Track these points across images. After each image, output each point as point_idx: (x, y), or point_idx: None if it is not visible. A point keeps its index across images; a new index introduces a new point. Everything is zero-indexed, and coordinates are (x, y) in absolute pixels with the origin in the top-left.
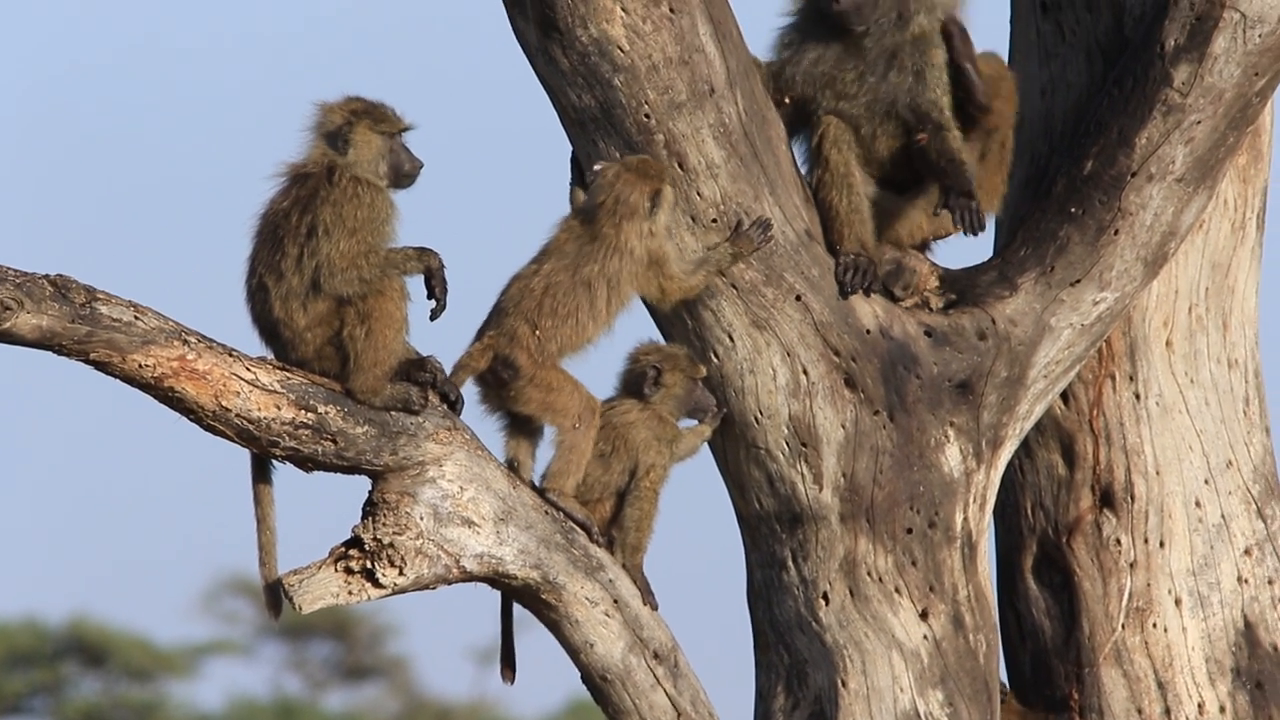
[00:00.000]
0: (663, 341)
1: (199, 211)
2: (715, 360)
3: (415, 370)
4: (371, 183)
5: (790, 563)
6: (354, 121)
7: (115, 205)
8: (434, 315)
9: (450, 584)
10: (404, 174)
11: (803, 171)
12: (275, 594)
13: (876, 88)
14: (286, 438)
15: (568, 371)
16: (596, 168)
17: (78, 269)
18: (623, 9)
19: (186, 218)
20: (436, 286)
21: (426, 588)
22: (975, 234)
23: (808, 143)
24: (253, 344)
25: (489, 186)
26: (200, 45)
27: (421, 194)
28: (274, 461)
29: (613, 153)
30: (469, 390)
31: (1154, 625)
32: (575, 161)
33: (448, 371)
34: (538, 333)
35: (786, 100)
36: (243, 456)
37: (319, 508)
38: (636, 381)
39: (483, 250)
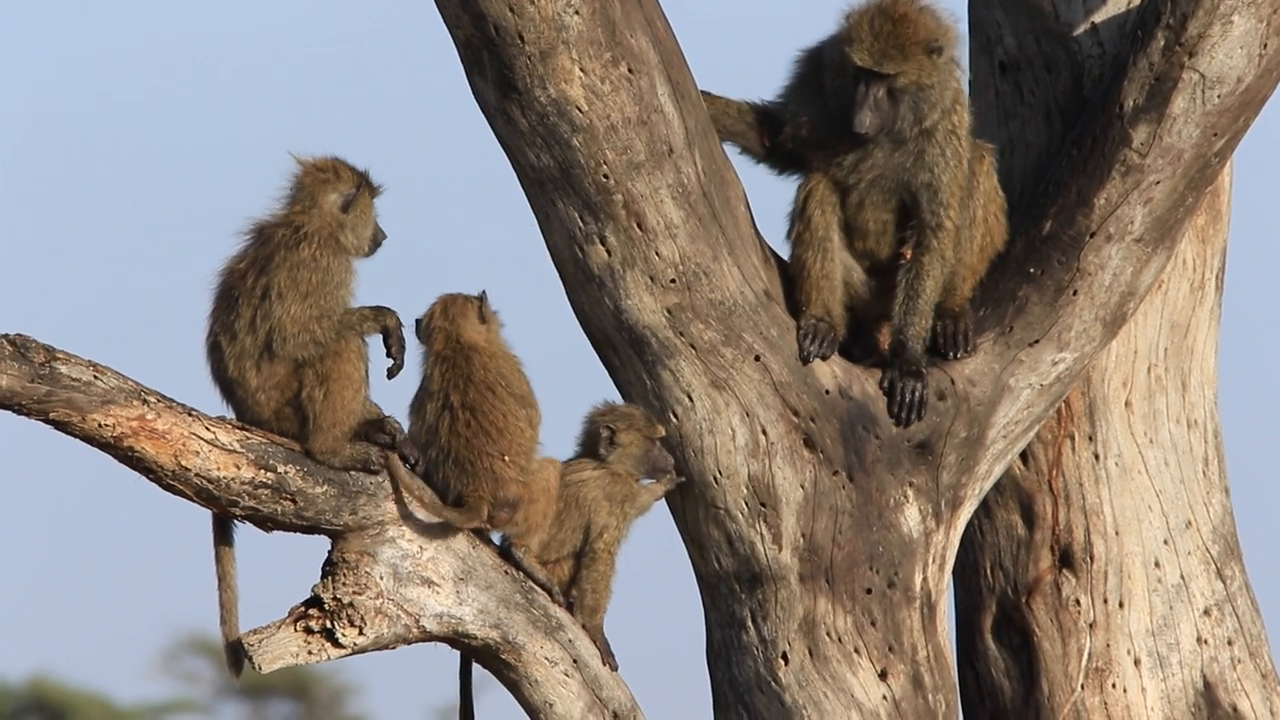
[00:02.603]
0: (620, 402)
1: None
2: (674, 420)
3: (374, 431)
4: (339, 247)
5: (749, 623)
6: (362, 187)
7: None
8: (391, 374)
9: (410, 644)
10: (378, 243)
11: (784, 223)
12: (237, 653)
13: (879, 164)
14: (246, 497)
15: (536, 458)
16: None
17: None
18: (581, 70)
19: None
20: (394, 345)
21: (386, 647)
22: (904, 420)
23: (795, 195)
24: (216, 403)
25: (444, 241)
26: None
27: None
28: (235, 521)
29: (571, 213)
30: None
31: (1113, 685)
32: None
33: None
34: (506, 459)
35: (766, 142)
36: (203, 516)
37: (279, 567)
38: (592, 442)
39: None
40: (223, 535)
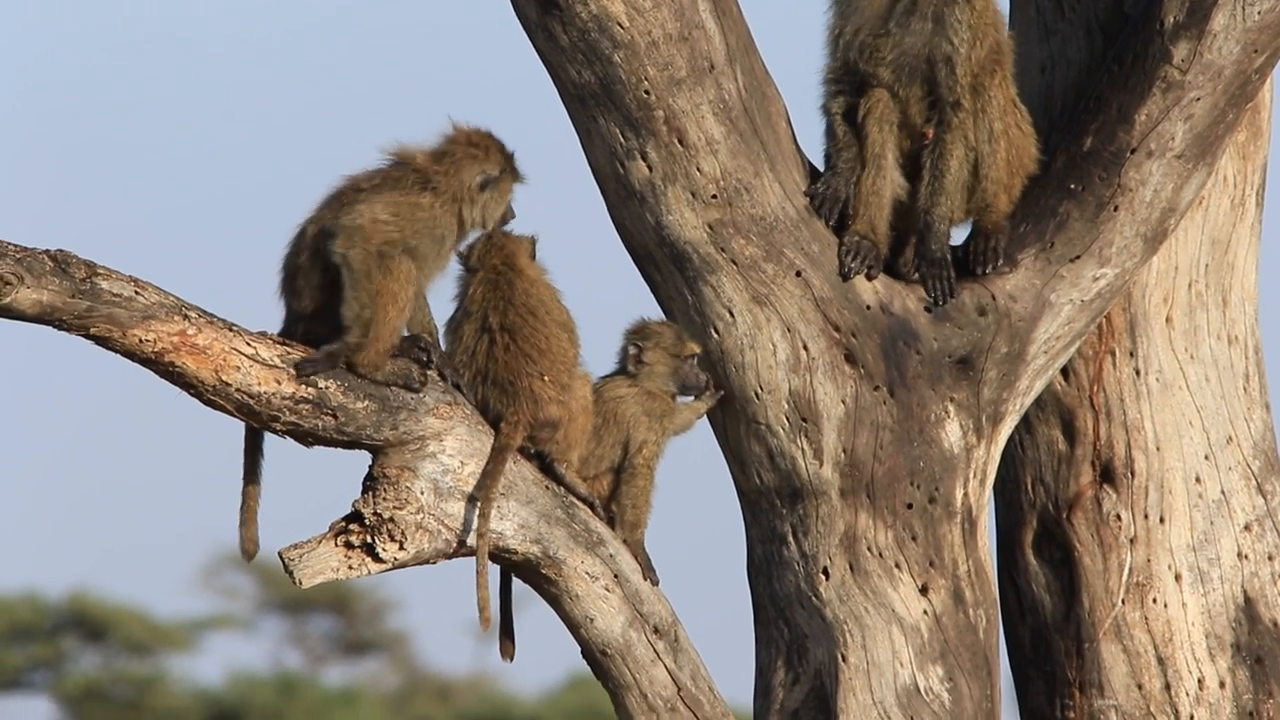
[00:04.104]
0: (654, 319)
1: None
2: (715, 336)
3: (409, 346)
4: (456, 211)
5: (790, 538)
6: (506, 171)
7: (119, 196)
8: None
9: (450, 558)
10: (505, 222)
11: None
12: (254, 548)
13: (901, 42)
14: (287, 412)
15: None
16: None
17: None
18: None
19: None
20: (430, 358)
21: (426, 562)
22: (941, 304)
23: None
24: (253, 320)
25: None
26: (199, 42)
27: None
28: (278, 434)
29: (612, 129)
30: None
31: (1154, 601)
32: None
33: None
34: (546, 379)
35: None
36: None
37: (319, 482)
38: (623, 359)
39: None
40: (255, 440)
